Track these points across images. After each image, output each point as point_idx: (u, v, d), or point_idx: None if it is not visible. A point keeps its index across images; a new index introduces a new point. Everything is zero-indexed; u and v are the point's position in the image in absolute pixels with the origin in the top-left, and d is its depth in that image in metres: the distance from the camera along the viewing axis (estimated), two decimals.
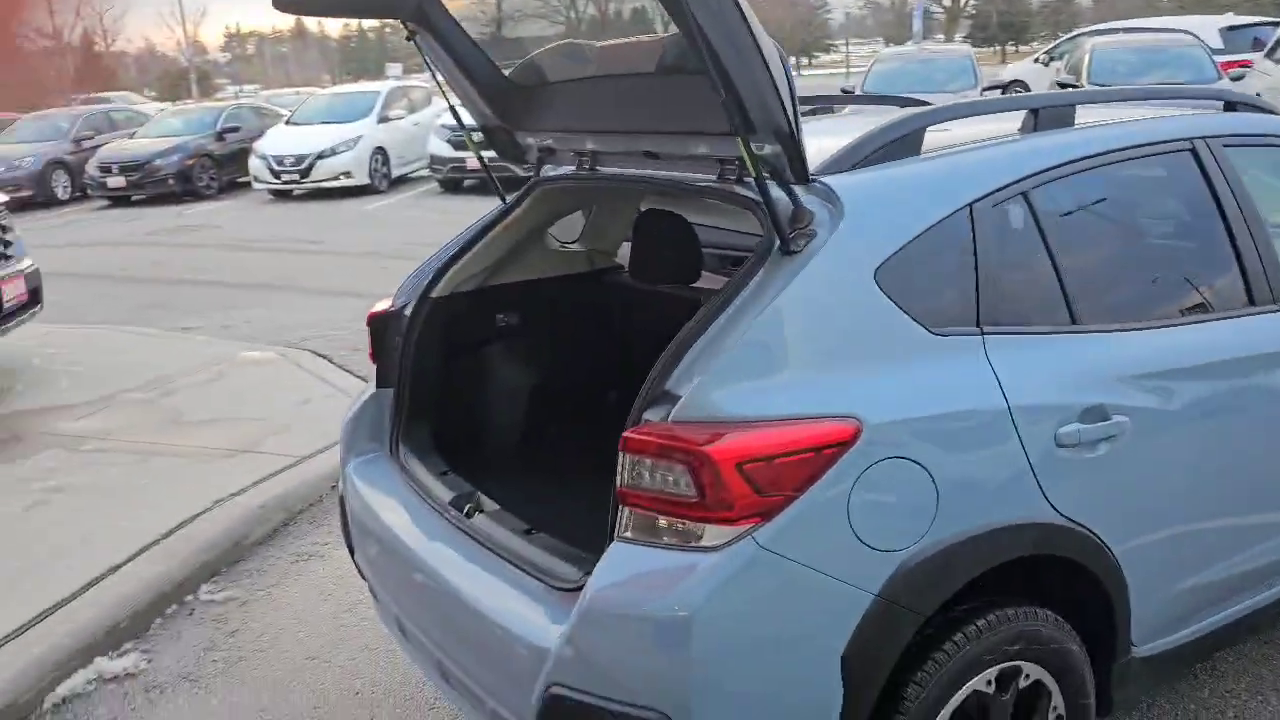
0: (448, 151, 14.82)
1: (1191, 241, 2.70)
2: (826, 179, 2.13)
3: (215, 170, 17.59)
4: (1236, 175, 2.64)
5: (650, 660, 1.88)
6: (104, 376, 6.41)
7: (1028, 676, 2.20)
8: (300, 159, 15.83)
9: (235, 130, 18.01)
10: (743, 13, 1.82)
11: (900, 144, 2.25)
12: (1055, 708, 2.27)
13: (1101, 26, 19.80)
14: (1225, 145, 2.67)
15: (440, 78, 2.90)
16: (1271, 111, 2.94)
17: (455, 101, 3.00)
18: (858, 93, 11.85)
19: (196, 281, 10.25)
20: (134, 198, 16.96)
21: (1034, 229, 2.29)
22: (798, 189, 2.11)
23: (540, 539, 2.33)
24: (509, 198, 3.00)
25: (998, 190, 2.23)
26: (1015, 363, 2.13)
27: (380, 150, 16.34)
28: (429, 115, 16.99)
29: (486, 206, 3.14)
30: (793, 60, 53.76)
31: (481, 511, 2.50)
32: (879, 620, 1.92)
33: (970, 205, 2.18)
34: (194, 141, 17.47)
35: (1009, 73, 20.68)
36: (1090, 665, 2.33)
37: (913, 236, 2.10)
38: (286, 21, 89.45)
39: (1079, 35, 18.59)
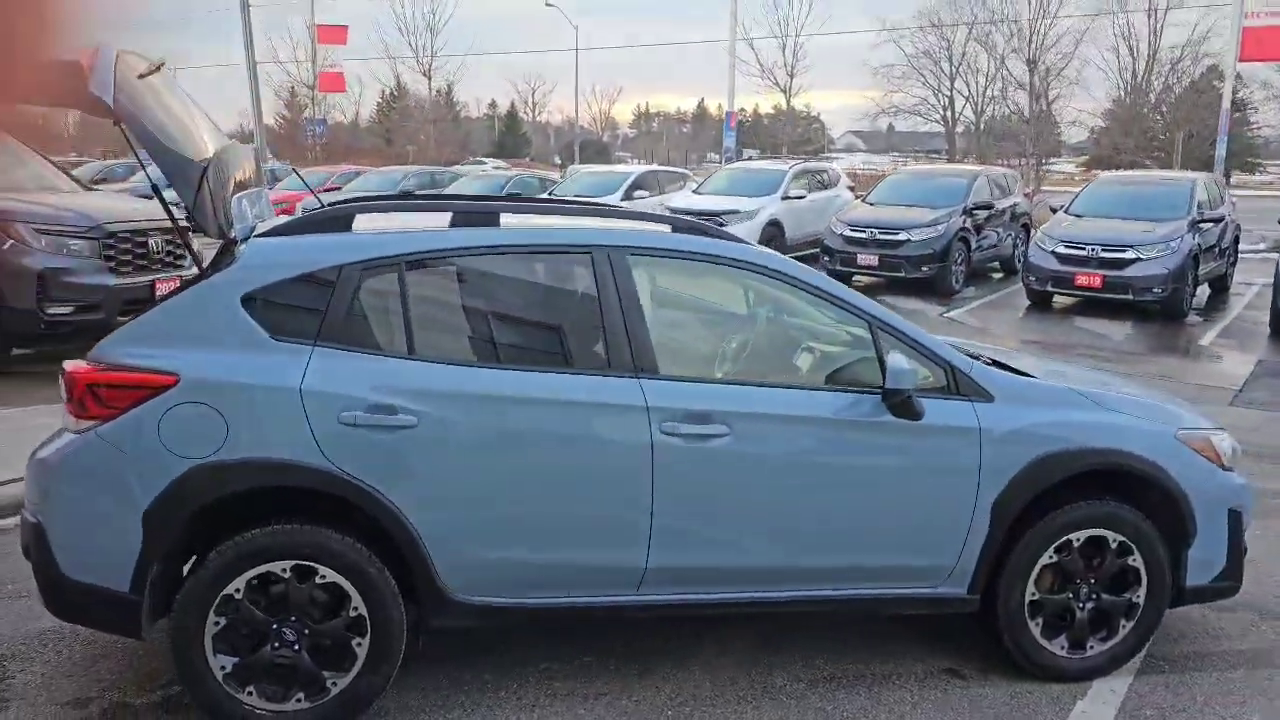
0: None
1: (555, 314, 3.68)
2: (256, 238, 3.45)
3: None
4: (628, 275, 3.54)
5: (35, 488, 3.27)
6: None
7: (323, 577, 3.29)
8: None
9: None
10: (141, 123, 3.21)
11: (332, 222, 3.52)
12: (356, 608, 3.31)
13: None
14: (631, 254, 3.59)
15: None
16: (719, 235, 3.76)
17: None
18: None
19: None
20: None
21: (397, 289, 3.41)
22: (242, 242, 3.44)
23: None
24: None
25: (369, 260, 3.39)
26: (328, 366, 3.27)
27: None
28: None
29: None
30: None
31: None
32: (167, 499, 3.15)
33: (340, 266, 3.38)
34: None
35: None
36: (400, 589, 3.37)
37: (282, 278, 3.34)
38: (689, 104, 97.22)
39: None
